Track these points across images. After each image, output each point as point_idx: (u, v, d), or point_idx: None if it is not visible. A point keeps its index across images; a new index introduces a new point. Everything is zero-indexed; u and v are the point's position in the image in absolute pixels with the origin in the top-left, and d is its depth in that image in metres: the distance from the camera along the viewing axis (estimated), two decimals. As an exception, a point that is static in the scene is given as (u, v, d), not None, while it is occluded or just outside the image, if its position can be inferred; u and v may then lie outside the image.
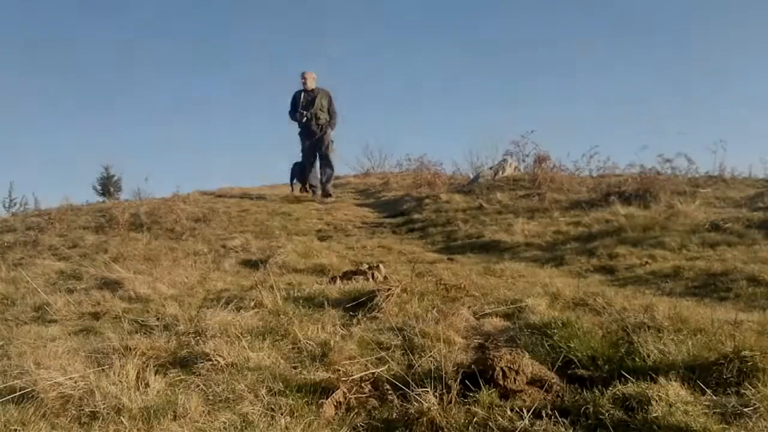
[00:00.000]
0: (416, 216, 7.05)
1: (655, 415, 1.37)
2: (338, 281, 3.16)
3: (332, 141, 8.34)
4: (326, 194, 8.41)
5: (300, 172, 8.71)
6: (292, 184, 8.87)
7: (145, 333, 2.32)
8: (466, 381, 1.65)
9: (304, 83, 8.32)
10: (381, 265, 3.52)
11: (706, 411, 1.40)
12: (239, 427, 1.47)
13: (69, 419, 1.51)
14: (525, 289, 2.96)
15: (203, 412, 1.54)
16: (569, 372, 1.75)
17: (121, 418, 1.48)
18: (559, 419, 1.42)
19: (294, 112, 8.41)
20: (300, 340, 2.07)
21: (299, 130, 8.45)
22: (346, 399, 1.63)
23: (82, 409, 1.54)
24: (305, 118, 8.19)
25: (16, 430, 1.43)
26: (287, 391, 1.64)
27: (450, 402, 1.51)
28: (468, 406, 1.52)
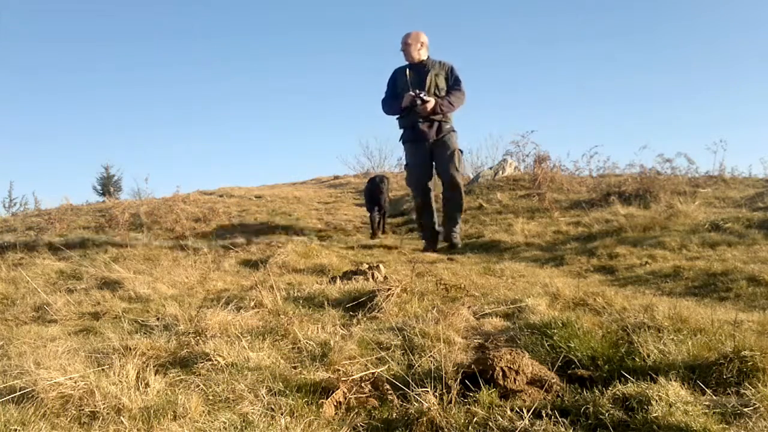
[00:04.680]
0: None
1: (655, 415, 1.37)
2: (338, 281, 3.16)
3: (460, 150, 5.07)
4: (452, 243, 5.13)
5: (422, 209, 5.24)
6: (374, 223, 5.87)
7: (145, 333, 2.32)
8: (466, 381, 1.64)
9: (408, 52, 5.06)
10: (381, 265, 3.52)
11: (706, 411, 1.40)
12: (239, 427, 1.47)
13: (69, 419, 1.51)
14: (525, 289, 2.96)
15: (203, 412, 1.54)
16: (569, 372, 1.75)
17: (121, 418, 1.48)
18: (559, 419, 1.42)
19: (393, 99, 5.11)
20: (300, 340, 2.07)
21: (402, 132, 5.21)
22: (346, 399, 1.63)
23: (82, 409, 1.54)
24: (418, 101, 4.85)
25: (16, 430, 1.43)
26: (287, 391, 1.64)
27: (450, 402, 1.51)
28: (468, 406, 1.52)
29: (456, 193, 5.07)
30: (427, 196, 5.19)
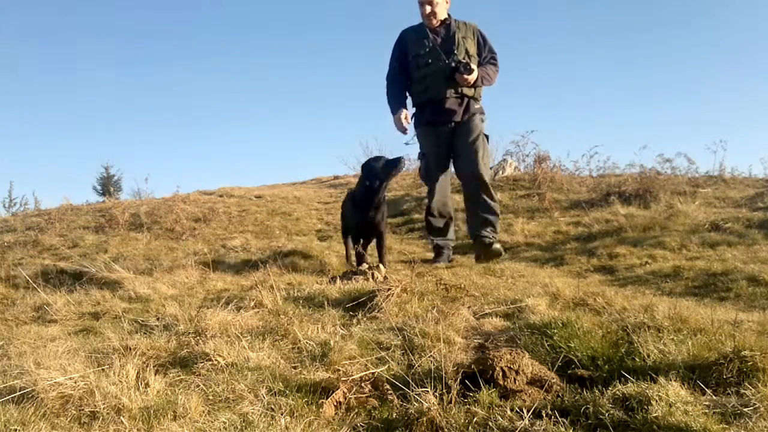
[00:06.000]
0: (416, 216, 7.05)
1: (655, 415, 1.37)
2: (338, 281, 3.16)
3: (486, 135, 4.06)
4: (486, 246, 3.94)
5: (440, 212, 4.14)
6: (347, 242, 3.96)
7: (145, 333, 2.32)
8: (466, 381, 1.64)
9: (434, 13, 3.96)
10: (381, 265, 3.52)
11: (706, 411, 1.40)
12: (239, 427, 1.47)
13: (69, 419, 1.51)
14: (525, 289, 2.96)
15: (203, 412, 1.54)
16: (569, 372, 1.75)
17: (121, 418, 1.48)
18: (559, 419, 1.42)
19: (399, 76, 4.09)
20: (300, 340, 2.07)
21: (415, 111, 4.15)
22: (346, 399, 1.63)
23: (82, 409, 1.54)
24: (461, 68, 3.80)
25: (16, 430, 1.43)
26: (287, 391, 1.64)
27: (450, 402, 1.51)
28: (468, 406, 1.52)
29: (481, 188, 3.93)
30: (444, 193, 4.14)
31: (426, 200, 4.37)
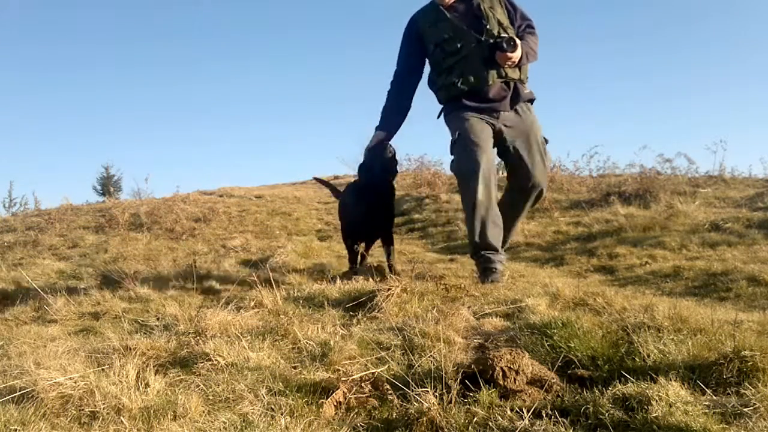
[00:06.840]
0: (416, 216, 7.06)
1: (655, 415, 1.37)
2: (338, 281, 3.15)
3: (545, 139, 3.31)
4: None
5: (486, 208, 3.04)
6: (351, 246, 3.47)
7: (145, 333, 2.32)
8: (466, 381, 1.64)
9: None
10: (381, 265, 3.52)
11: (706, 411, 1.40)
12: (239, 427, 1.47)
13: (69, 419, 1.51)
14: (525, 289, 2.96)
15: (203, 412, 1.54)
16: (569, 372, 1.75)
17: (121, 418, 1.48)
18: (559, 419, 1.42)
19: (408, 77, 3.37)
20: (300, 340, 2.07)
21: (446, 105, 3.32)
22: (346, 399, 1.63)
23: (82, 409, 1.54)
24: (504, 45, 3.03)
25: (16, 430, 1.43)
26: (287, 391, 1.64)
27: (450, 402, 1.51)
28: (468, 406, 1.52)
29: (533, 204, 3.38)
30: (490, 187, 3.08)
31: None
